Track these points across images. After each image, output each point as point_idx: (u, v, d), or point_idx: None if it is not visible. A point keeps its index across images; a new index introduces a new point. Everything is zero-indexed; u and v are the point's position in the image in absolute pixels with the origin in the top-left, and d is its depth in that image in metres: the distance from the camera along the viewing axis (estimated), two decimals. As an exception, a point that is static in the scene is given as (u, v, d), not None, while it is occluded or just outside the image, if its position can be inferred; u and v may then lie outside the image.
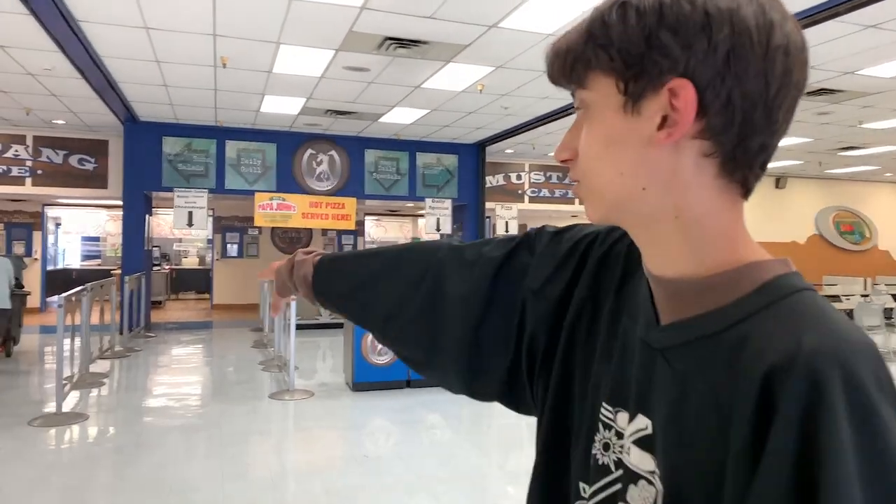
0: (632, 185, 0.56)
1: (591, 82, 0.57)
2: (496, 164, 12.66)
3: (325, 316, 10.91)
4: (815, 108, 7.99)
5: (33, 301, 11.92)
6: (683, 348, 0.55)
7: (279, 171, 10.81)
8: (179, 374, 7.74)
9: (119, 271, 10.33)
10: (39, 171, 10.44)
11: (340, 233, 14.85)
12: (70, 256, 16.73)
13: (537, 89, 7.66)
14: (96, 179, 10.71)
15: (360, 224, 15.36)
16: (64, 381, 5.73)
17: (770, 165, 0.59)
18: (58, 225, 15.84)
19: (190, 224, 10.16)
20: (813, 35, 5.08)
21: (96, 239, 17.26)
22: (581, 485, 0.65)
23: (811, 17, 4.82)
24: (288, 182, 10.83)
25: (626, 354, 0.62)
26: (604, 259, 0.71)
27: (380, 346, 6.50)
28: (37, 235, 13.02)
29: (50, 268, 13.93)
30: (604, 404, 0.64)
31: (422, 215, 12.71)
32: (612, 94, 0.55)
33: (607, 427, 0.63)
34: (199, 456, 4.67)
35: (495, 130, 10.45)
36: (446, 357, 0.82)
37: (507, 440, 5.39)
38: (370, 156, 11.34)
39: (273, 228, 13.52)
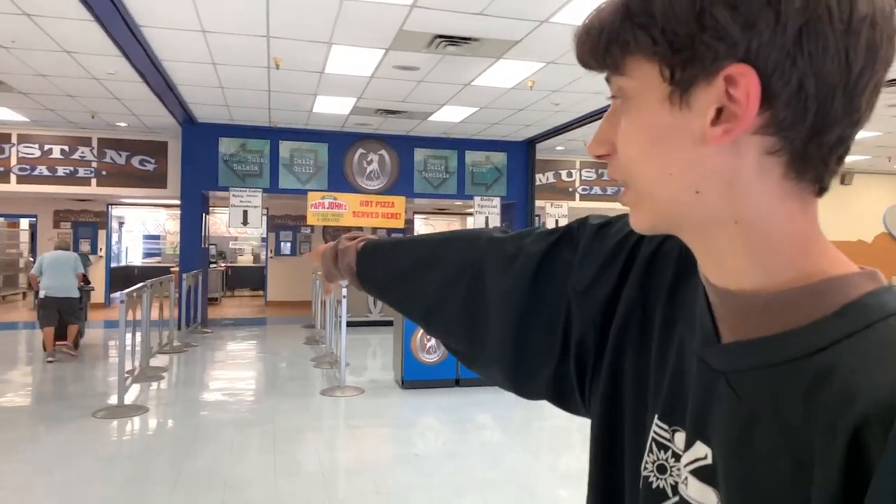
0: (683, 187, 0.48)
1: (630, 68, 0.48)
2: (546, 161, 12.51)
3: (376, 313, 11.02)
4: (886, 100, 7.60)
5: (98, 297, 12.45)
6: (750, 374, 0.48)
7: (331, 170, 10.96)
8: (234, 370, 7.93)
9: (177, 269, 10.66)
10: (104, 172, 10.87)
11: (390, 231, 14.97)
12: (132, 254, 17.39)
13: (589, 85, 7.52)
14: (156, 179, 11.09)
15: (410, 222, 15.44)
16: (126, 375, 5.94)
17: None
18: (121, 224, 16.50)
19: (245, 223, 10.40)
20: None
21: (157, 237, 17.90)
22: None
23: None
24: (339, 181, 10.97)
25: (682, 368, 0.56)
26: (653, 257, 0.64)
27: (429, 343, 6.50)
28: (102, 234, 13.58)
29: (114, 265, 14.50)
30: (657, 421, 0.57)
31: (470, 214, 12.67)
32: (655, 82, 0.47)
33: (662, 448, 0.56)
34: (253, 451, 4.76)
35: (545, 127, 10.33)
36: (490, 356, 0.79)
37: (558, 442, 5.30)
38: (419, 154, 11.38)
39: (325, 227, 13.72)
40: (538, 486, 4.22)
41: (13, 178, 10.55)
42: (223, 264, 16.55)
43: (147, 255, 17.59)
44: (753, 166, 0.46)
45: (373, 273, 0.96)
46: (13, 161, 10.52)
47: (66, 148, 10.70)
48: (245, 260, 17.82)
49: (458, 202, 12.78)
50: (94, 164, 10.83)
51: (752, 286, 0.48)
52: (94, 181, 10.87)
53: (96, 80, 7.57)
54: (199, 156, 10.39)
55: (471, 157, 11.60)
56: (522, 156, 11.75)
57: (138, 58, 6.50)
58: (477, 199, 11.45)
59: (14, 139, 10.51)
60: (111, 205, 13.79)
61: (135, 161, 10.98)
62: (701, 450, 0.51)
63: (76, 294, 7.93)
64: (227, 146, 10.54)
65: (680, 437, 0.55)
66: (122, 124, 10.27)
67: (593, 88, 7.70)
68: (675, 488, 0.54)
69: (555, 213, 12.10)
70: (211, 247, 14.27)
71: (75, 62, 6.86)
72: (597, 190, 13.09)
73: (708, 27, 0.43)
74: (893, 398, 0.37)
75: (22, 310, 13.49)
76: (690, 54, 0.44)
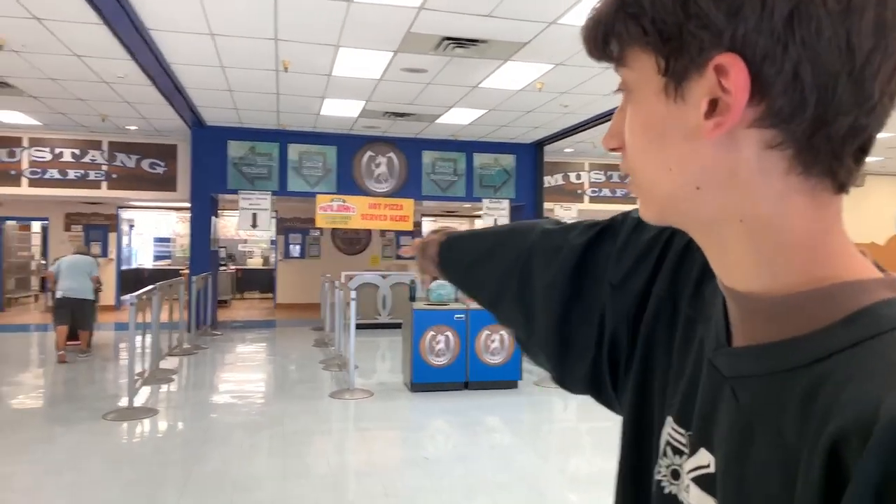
0: (683, 183, 0.46)
1: (630, 59, 0.47)
2: (554, 163, 12.48)
3: (385, 316, 11.02)
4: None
5: (109, 299, 12.52)
6: (751, 381, 0.46)
7: (339, 173, 10.98)
8: (244, 372, 7.95)
9: (187, 271, 10.71)
10: (114, 175, 10.94)
11: (398, 234, 14.97)
12: (142, 256, 17.47)
13: (598, 86, 7.49)
14: (166, 182, 11.14)
15: (418, 225, 15.44)
16: (136, 377, 5.97)
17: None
18: (131, 226, 16.58)
19: (254, 225, 10.43)
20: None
21: (167, 240, 17.97)
22: None
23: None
24: (348, 184, 10.98)
25: (697, 371, 0.54)
26: (686, 251, 0.62)
27: (438, 346, 6.49)
28: (112, 236, 13.67)
29: (124, 267, 14.58)
30: (673, 424, 0.55)
31: (479, 216, 12.66)
32: (652, 74, 0.45)
33: (678, 452, 0.54)
34: (262, 453, 4.76)
35: (554, 129, 10.30)
36: (539, 345, 0.80)
37: (568, 445, 5.27)
38: (427, 157, 11.38)
39: (333, 229, 13.74)
40: (548, 488, 4.19)
41: (25, 181, 10.63)
42: (233, 267, 16.61)
43: (157, 257, 17.67)
44: (754, 161, 0.43)
45: (449, 264, 1.03)
46: (25, 164, 10.60)
47: (77, 151, 10.77)
48: (254, 262, 17.88)
49: (467, 205, 12.77)
50: (105, 168, 10.90)
51: (760, 288, 0.46)
52: (104, 184, 10.94)
53: (106, 83, 7.62)
54: (209, 159, 10.43)
55: (479, 159, 11.59)
56: (531, 158, 11.72)
57: (147, 61, 6.54)
58: (485, 201, 11.43)
59: (26, 143, 10.59)
60: (121, 207, 13.88)
61: (145, 164, 11.04)
62: (704, 457, 0.50)
63: (91, 296, 8.23)
64: (236, 149, 10.58)
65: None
66: (132, 127, 10.33)
67: (602, 90, 7.67)
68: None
69: (563, 216, 12.06)
70: (221, 249, 14.32)
71: (85, 66, 6.90)
72: (606, 192, 13.05)
73: (692, 15, 0.41)
74: (873, 412, 0.34)
75: (34, 312, 13.59)
76: (679, 44, 0.42)
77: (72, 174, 10.77)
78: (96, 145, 10.84)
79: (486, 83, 7.55)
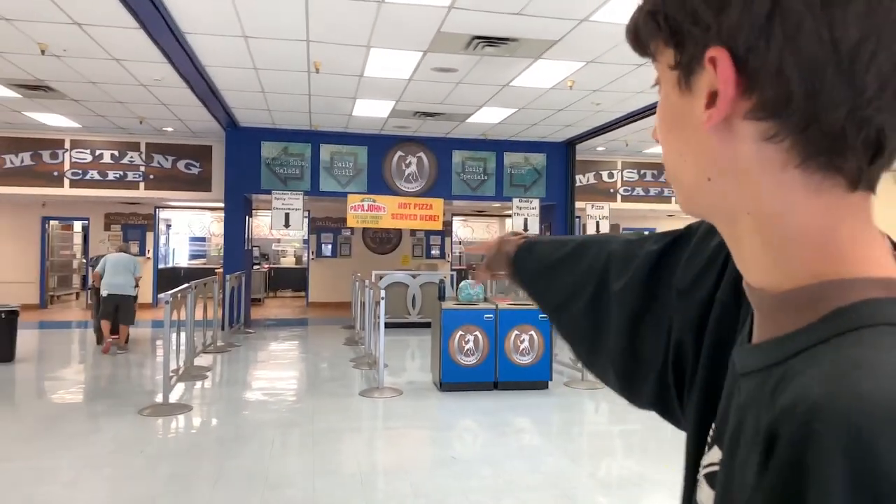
0: (696, 173, 0.48)
1: (658, 54, 0.50)
2: (586, 162, 12.35)
3: (414, 315, 11.05)
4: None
5: (146, 297, 12.81)
6: (750, 378, 0.46)
7: (370, 173, 11.05)
8: (276, 369, 8.05)
9: (221, 270, 10.90)
10: (151, 176, 11.19)
11: (429, 233, 15.00)
12: (179, 255, 17.84)
13: (630, 83, 7.39)
14: (201, 183, 11.36)
15: (448, 224, 15.45)
16: (171, 374, 6.09)
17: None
18: (168, 226, 16.95)
19: (287, 225, 10.56)
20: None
21: (202, 239, 18.32)
22: None
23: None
24: (378, 184, 11.05)
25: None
26: None
27: (467, 346, 6.48)
28: (149, 236, 13.98)
29: (161, 266, 14.90)
30: (714, 426, 0.55)
31: (509, 216, 12.61)
32: (670, 67, 0.48)
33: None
34: (293, 451, 4.81)
35: (585, 128, 10.20)
36: (606, 357, 0.80)
37: (599, 447, 5.21)
38: (457, 156, 11.37)
39: (364, 229, 13.84)
40: (578, 491, 4.15)
41: (66, 182, 10.95)
42: (266, 266, 16.85)
43: (193, 256, 18.02)
44: (752, 153, 0.44)
45: (526, 263, 1.03)
46: (66, 166, 10.92)
47: (116, 153, 11.05)
48: (287, 261, 18.11)
49: (497, 204, 12.73)
50: (143, 168, 11.16)
51: (770, 284, 0.46)
52: (142, 185, 11.20)
53: (143, 86, 7.79)
54: (242, 159, 10.60)
55: (509, 158, 11.54)
56: (562, 156, 11.63)
57: (183, 64, 6.66)
58: (515, 200, 11.38)
59: (67, 145, 10.91)
60: (158, 207, 14.19)
61: (181, 165, 11.28)
62: (716, 454, 0.50)
63: (133, 293, 8.63)
64: (269, 150, 10.73)
65: None
66: (169, 129, 10.55)
67: (635, 87, 7.56)
68: None
69: (595, 215, 11.93)
70: (254, 248, 14.54)
71: (123, 69, 7.06)
72: (639, 191, 12.87)
73: (688, 11, 0.44)
74: (798, 397, 0.37)
75: (75, 309, 13.98)
76: (681, 38, 0.45)
77: (111, 175, 11.05)
78: (134, 147, 11.11)
79: (516, 82, 7.51)
